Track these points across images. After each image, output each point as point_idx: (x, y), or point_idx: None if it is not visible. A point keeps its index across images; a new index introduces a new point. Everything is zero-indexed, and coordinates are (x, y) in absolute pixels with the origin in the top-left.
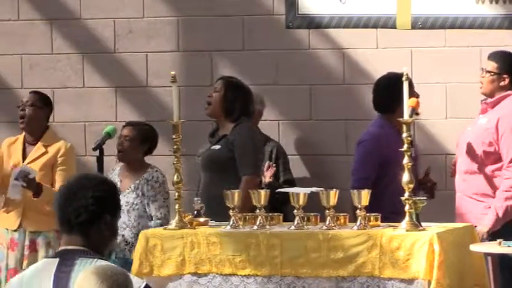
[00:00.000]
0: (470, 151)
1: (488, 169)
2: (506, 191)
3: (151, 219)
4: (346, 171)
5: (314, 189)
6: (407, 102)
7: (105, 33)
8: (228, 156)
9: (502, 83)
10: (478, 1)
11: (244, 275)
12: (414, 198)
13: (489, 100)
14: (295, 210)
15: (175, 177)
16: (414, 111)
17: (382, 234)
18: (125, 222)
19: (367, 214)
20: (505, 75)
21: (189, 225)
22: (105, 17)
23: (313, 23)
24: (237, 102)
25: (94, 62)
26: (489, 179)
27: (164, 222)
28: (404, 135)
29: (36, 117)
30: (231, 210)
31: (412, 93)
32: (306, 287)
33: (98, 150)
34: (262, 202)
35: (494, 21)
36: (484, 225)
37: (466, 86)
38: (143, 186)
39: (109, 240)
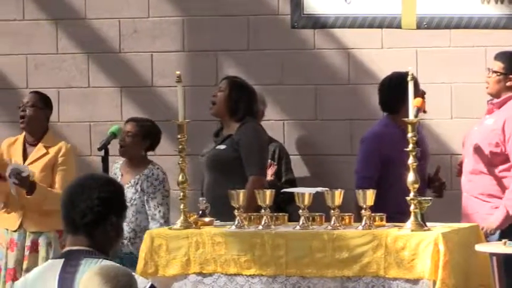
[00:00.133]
0: (476, 151)
1: (496, 169)
2: None
3: (150, 217)
4: (351, 171)
5: (319, 189)
6: (413, 102)
7: (110, 33)
8: (233, 156)
9: (508, 83)
10: (483, 1)
11: (249, 275)
12: (419, 198)
13: (495, 100)
14: (301, 210)
15: (180, 177)
16: (420, 111)
17: (387, 234)
18: None
19: (372, 214)
20: (511, 76)
21: (194, 225)
22: (110, 17)
23: (318, 23)
24: (242, 102)
25: (99, 61)
26: (497, 180)
27: (163, 222)
28: (409, 135)
29: (37, 117)
30: (236, 210)
31: (418, 92)
32: (311, 287)
33: (103, 150)
34: (268, 202)
35: (499, 21)
36: (492, 222)
37: (472, 86)
38: (143, 182)
39: (114, 241)
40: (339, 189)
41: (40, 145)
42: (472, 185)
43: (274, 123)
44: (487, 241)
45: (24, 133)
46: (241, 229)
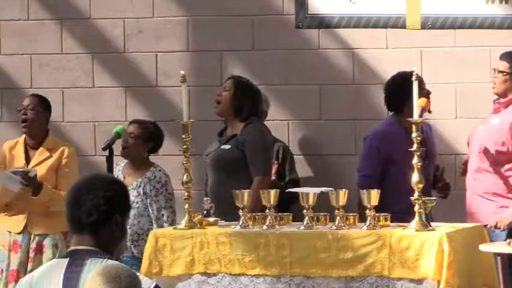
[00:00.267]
0: (482, 150)
1: (501, 168)
2: None
3: (153, 220)
4: (355, 172)
5: (324, 189)
6: (417, 102)
7: (114, 33)
8: (238, 156)
9: None
10: (487, 1)
11: (254, 275)
12: (424, 198)
13: (502, 100)
14: (305, 210)
15: (184, 176)
16: (424, 111)
17: (392, 234)
18: None
19: (377, 214)
20: None
21: (198, 225)
22: (115, 16)
23: (323, 23)
24: (247, 101)
25: (104, 61)
26: (502, 178)
27: (168, 226)
28: (413, 135)
29: (38, 120)
30: (240, 210)
31: (422, 92)
32: (315, 287)
33: (107, 150)
34: (272, 202)
35: (504, 21)
36: (505, 217)
37: (476, 85)
38: (145, 185)
39: (119, 241)
40: (344, 189)
41: (42, 148)
42: (477, 183)
43: (279, 123)
44: (492, 241)
45: (24, 136)
46: (246, 229)
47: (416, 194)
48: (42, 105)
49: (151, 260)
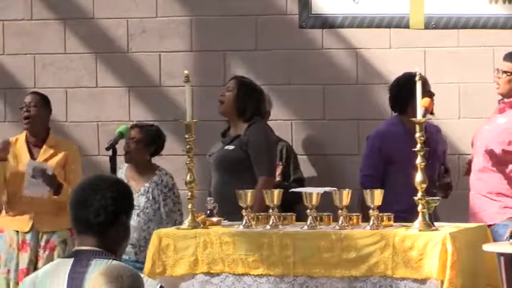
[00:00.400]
0: (487, 150)
1: (506, 168)
2: None
3: (162, 224)
4: (358, 172)
5: (327, 189)
6: (420, 102)
7: (118, 33)
8: (241, 156)
9: None
10: (491, 1)
11: (257, 275)
12: (427, 198)
13: (507, 100)
14: (308, 210)
15: (188, 176)
16: (427, 111)
17: (395, 234)
18: (133, 226)
19: (380, 214)
20: None
21: (201, 225)
22: (118, 16)
23: (326, 23)
24: (250, 102)
25: (107, 61)
26: (507, 178)
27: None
28: (417, 135)
29: (41, 117)
30: (244, 210)
31: (426, 93)
32: (318, 286)
33: (110, 150)
34: (275, 202)
35: (507, 21)
36: None
37: (480, 85)
38: (153, 190)
39: (123, 241)
40: (347, 189)
41: (46, 146)
42: (481, 183)
43: (282, 123)
44: (495, 241)
45: (24, 133)
46: (249, 229)
47: (419, 194)
48: (44, 102)
49: (154, 260)
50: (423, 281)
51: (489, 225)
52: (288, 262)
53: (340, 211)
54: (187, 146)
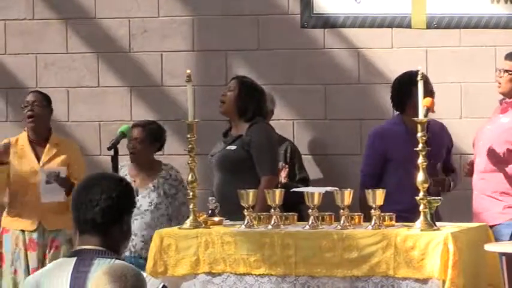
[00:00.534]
0: (490, 150)
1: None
2: None
3: (171, 219)
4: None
5: (329, 188)
6: (422, 102)
7: (120, 33)
8: (243, 156)
9: None
10: (493, 0)
11: (259, 275)
12: (429, 198)
13: (509, 100)
14: (310, 210)
15: (189, 176)
16: (429, 111)
17: (397, 233)
18: (146, 223)
19: (382, 214)
20: None
21: (203, 225)
22: (120, 16)
23: (328, 23)
24: (251, 102)
25: (109, 61)
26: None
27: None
28: (419, 134)
29: (44, 116)
30: (245, 210)
31: (427, 92)
32: (320, 286)
33: (112, 150)
34: (277, 202)
35: (509, 20)
36: None
37: (481, 85)
38: (163, 185)
39: (126, 240)
40: (349, 189)
41: (49, 145)
42: (485, 183)
43: (284, 122)
44: (497, 240)
45: (24, 133)
46: (251, 229)
47: (421, 194)
48: (46, 102)
49: (156, 260)
50: (425, 281)
51: (493, 226)
52: (289, 262)
53: (341, 211)
54: (189, 146)
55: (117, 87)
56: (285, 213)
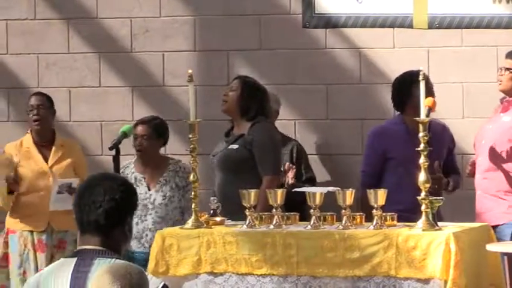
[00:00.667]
0: (493, 149)
1: None
2: None
3: (183, 211)
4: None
5: (330, 188)
6: (424, 102)
7: (121, 33)
8: (246, 156)
9: None
10: (494, 1)
11: (260, 275)
12: (431, 198)
13: (510, 98)
14: (312, 210)
15: (191, 176)
16: (431, 110)
17: (398, 233)
18: (160, 216)
19: (383, 214)
20: None
21: (205, 225)
22: (122, 16)
23: (329, 23)
24: (253, 101)
25: (110, 61)
26: None
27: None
28: (420, 134)
29: (49, 118)
30: (247, 210)
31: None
32: (322, 286)
33: (114, 150)
34: (279, 202)
35: (511, 20)
36: None
37: (483, 85)
38: (174, 178)
39: (127, 241)
40: (350, 189)
41: (55, 147)
42: (488, 182)
43: (286, 122)
44: (500, 240)
45: (28, 135)
46: (253, 228)
47: (423, 194)
48: (49, 103)
49: (157, 260)
50: (426, 281)
51: (496, 226)
52: (291, 262)
53: (343, 211)
54: (191, 146)
55: (118, 87)
56: (286, 213)
